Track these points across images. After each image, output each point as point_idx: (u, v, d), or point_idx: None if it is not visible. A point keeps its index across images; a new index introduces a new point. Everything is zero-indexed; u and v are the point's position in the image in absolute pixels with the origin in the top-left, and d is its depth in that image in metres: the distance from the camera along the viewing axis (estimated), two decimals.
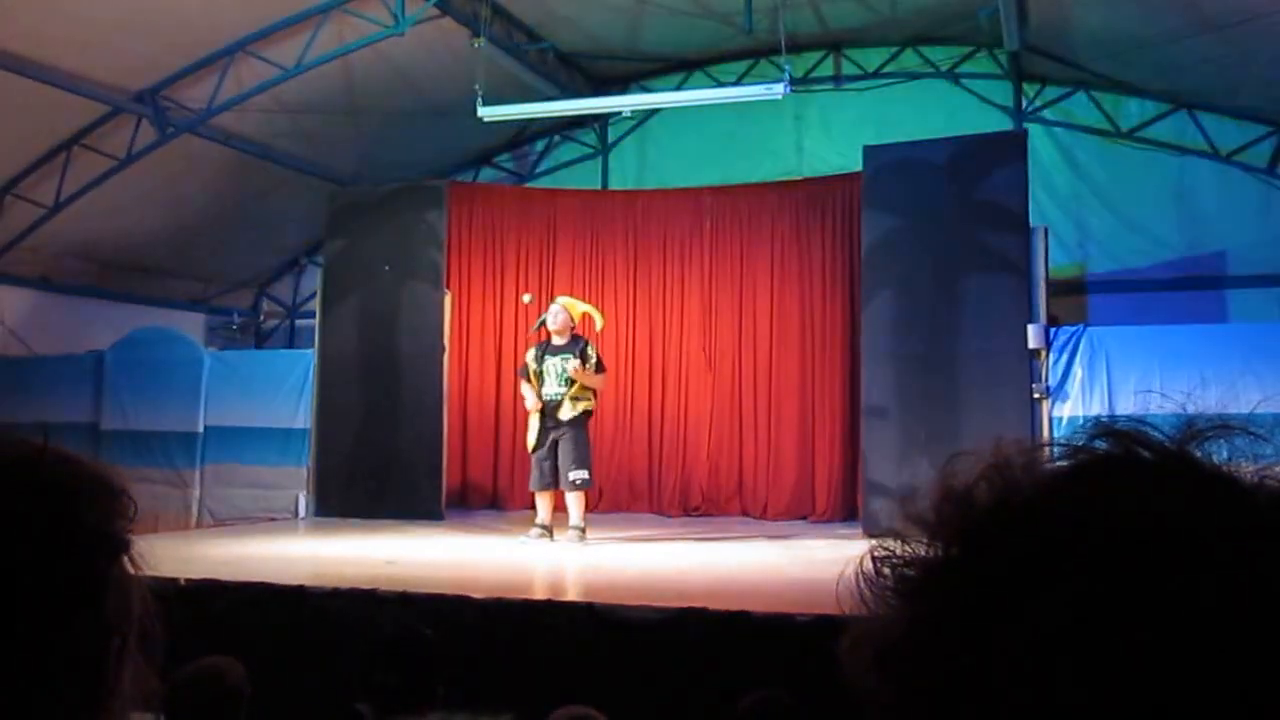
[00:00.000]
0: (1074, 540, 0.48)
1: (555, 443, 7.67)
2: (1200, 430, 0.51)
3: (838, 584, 0.55)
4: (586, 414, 7.81)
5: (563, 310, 7.98)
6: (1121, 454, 0.51)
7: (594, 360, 7.78)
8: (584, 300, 8.80)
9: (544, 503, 7.81)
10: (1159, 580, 0.46)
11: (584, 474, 7.64)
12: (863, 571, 0.54)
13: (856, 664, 0.53)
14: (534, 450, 7.81)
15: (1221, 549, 0.46)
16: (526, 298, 8.86)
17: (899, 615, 0.52)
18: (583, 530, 7.65)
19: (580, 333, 8.09)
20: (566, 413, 7.68)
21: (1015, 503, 0.51)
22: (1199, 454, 0.50)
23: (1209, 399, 0.54)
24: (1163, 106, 10.27)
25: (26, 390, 10.21)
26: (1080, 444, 0.52)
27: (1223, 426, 0.51)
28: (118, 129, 9.89)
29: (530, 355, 7.97)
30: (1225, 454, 0.51)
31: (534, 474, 7.84)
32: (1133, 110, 10.43)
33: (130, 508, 0.73)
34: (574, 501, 7.68)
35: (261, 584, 5.64)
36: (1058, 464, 0.52)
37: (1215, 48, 8.72)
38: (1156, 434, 0.51)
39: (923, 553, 0.53)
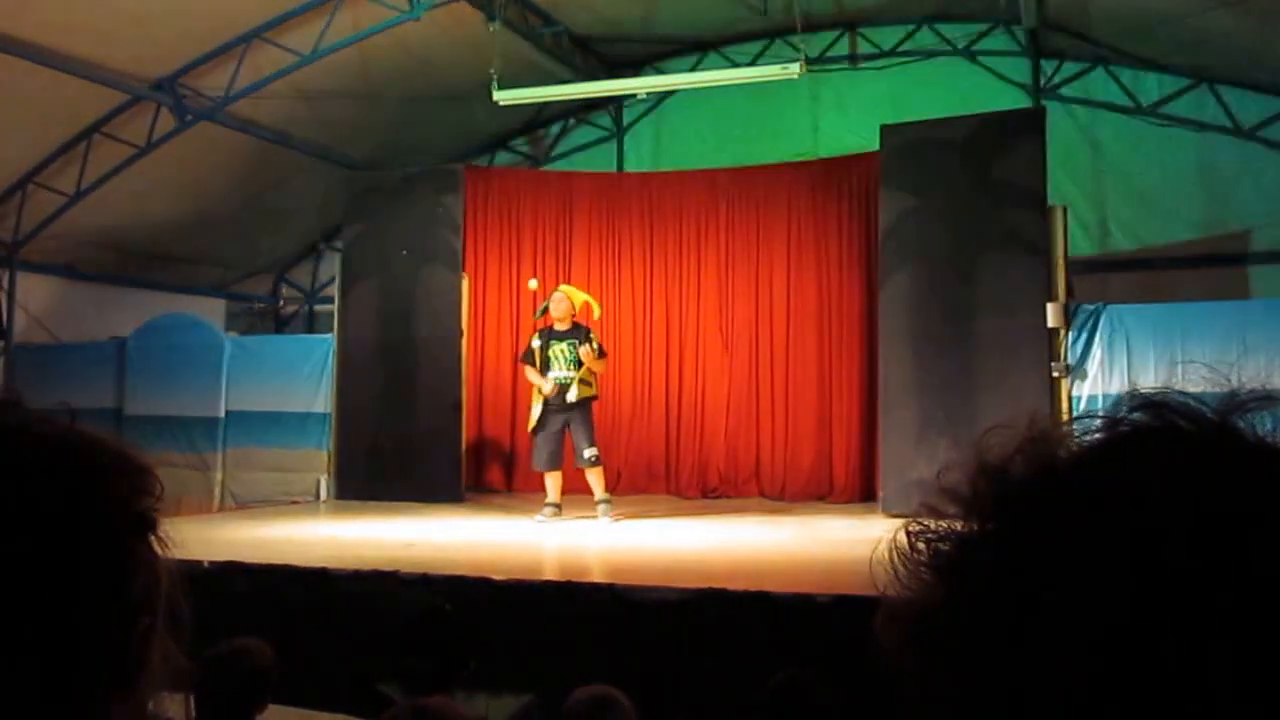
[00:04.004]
0: (1113, 514, 0.47)
1: (563, 425, 8.04)
2: (1242, 401, 0.50)
3: (872, 559, 0.54)
4: (592, 398, 8.17)
5: (565, 298, 8.29)
6: (1161, 426, 0.50)
7: (597, 346, 8.14)
8: (586, 290, 8.97)
9: (553, 482, 8.13)
10: (1201, 554, 0.45)
11: (596, 450, 8.10)
12: (897, 547, 0.54)
13: (891, 640, 0.53)
14: (535, 431, 8.15)
15: (1266, 522, 0.46)
16: (533, 283, 9.12)
17: (934, 591, 0.52)
18: (609, 501, 8.10)
19: (580, 320, 8.26)
20: (573, 395, 8.00)
21: (1053, 476, 0.50)
22: (1242, 425, 0.49)
23: (1238, 374, 0.52)
24: (1183, 82, 10.14)
25: (51, 377, 10.31)
26: (1118, 416, 0.51)
27: (1265, 398, 0.50)
28: (137, 117, 9.93)
29: (535, 341, 8.24)
30: (1270, 425, 0.49)
31: (539, 455, 8.17)
32: (1152, 86, 10.30)
33: (157, 486, 0.73)
34: (595, 478, 8.11)
35: (284, 566, 5.69)
36: (1095, 437, 0.51)
37: (1236, 20, 8.61)
38: (1197, 405, 0.50)
39: (958, 527, 0.52)
